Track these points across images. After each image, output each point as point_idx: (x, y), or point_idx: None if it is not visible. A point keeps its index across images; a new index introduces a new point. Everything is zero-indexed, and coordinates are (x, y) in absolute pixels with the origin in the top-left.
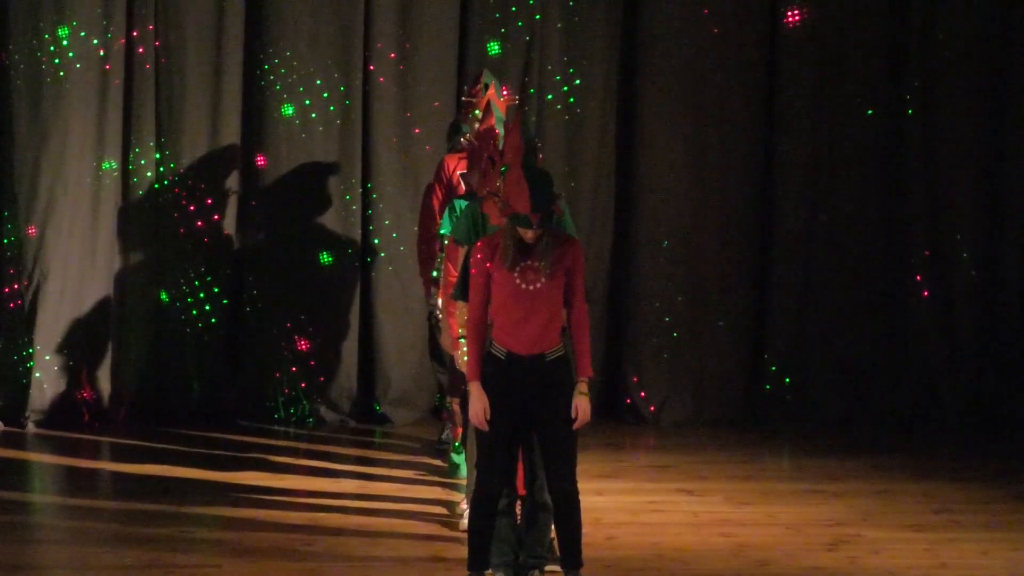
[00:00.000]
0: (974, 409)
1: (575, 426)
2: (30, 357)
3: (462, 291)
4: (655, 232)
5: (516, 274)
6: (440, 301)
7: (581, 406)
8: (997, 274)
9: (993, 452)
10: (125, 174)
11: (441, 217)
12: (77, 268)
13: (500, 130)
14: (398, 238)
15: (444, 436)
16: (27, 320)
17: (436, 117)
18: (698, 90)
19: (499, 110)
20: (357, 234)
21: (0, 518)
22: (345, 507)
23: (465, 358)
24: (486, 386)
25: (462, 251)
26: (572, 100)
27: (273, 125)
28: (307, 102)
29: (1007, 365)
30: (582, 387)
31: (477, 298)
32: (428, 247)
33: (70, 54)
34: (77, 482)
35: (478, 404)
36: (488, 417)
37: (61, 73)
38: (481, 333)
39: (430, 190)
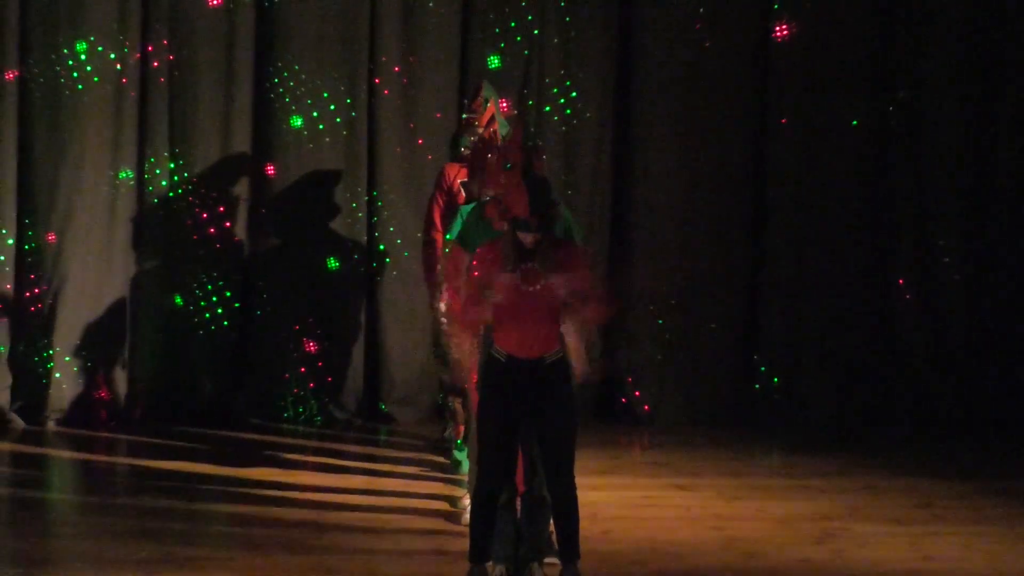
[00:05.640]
0: (957, 408)
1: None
2: (50, 359)
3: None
4: (649, 238)
5: (516, 278)
6: (443, 306)
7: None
8: (979, 278)
9: (975, 449)
10: (140, 183)
11: (443, 224)
12: (94, 273)
13: (502, 134)
14: (402, 244)
15: (447, 434)
16: (47, 323)
17: (439, 128)
18: (691, 101)
19: (502, 117)
20: (363, 240)
21: (21, 513)
22: (352, 503)
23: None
24: (488, 385)
25: (464, 256)
26: (569, 112)
27: (282, 136)
28: (315, 113)
29: (988, 366)
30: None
31: (472, 299)
32: (431, 253)
33: (87, 68)
34: (95, 478)
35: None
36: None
37: (79, 86)
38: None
39: (432, 200)
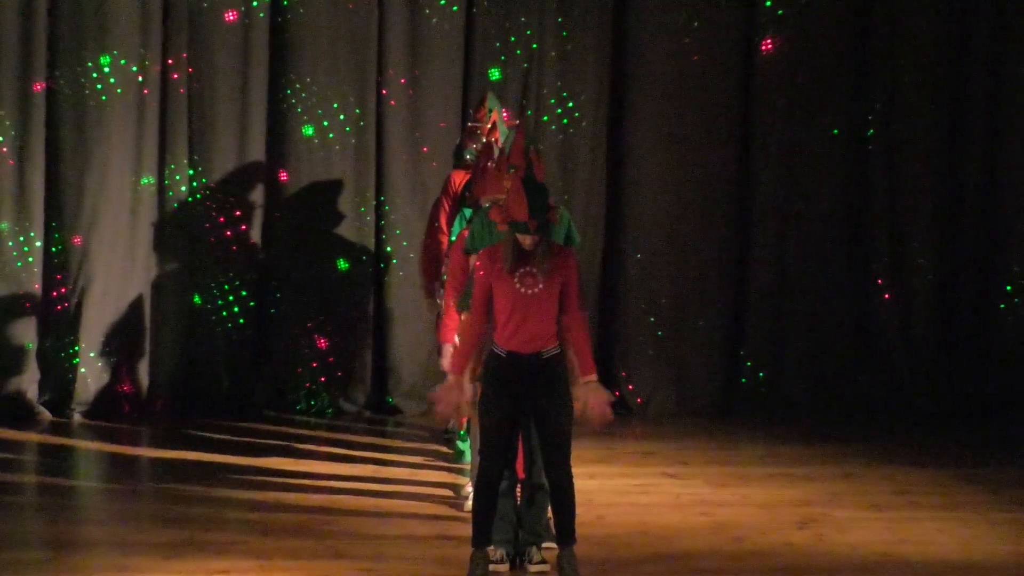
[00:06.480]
0: (930, 400)
1: (597, 421)
2: (76, 354)
3: (468, 301)
4: (641, 240)
5: (516, 279)
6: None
7: (592, 401)
8: (950, 279)
9: (947, 439)
10: (161, 189)
11: (449, 228)
12: (118, 274)
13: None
14: (408, 246)
15: (450, 425)
16: (73, 321)
17: (443, 137)
18: (680, 111)
19: (504, 126)
20: (371, 243)
21: (50, 500)
22: (361, 490)
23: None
24: (489, 380)
25: (470, 259)
26: (565, 121)
27: (295, 144)
28: (325, 123)
29: (959, 360)
30: (590, 385)
31: (480, 306)
32: (430, 256)
33: (111, 80)
34: (118, 467)
35: (454, 395)
36: (463, 411)
37: (103, 97)
38: (476, 335)
39: (437, 204)
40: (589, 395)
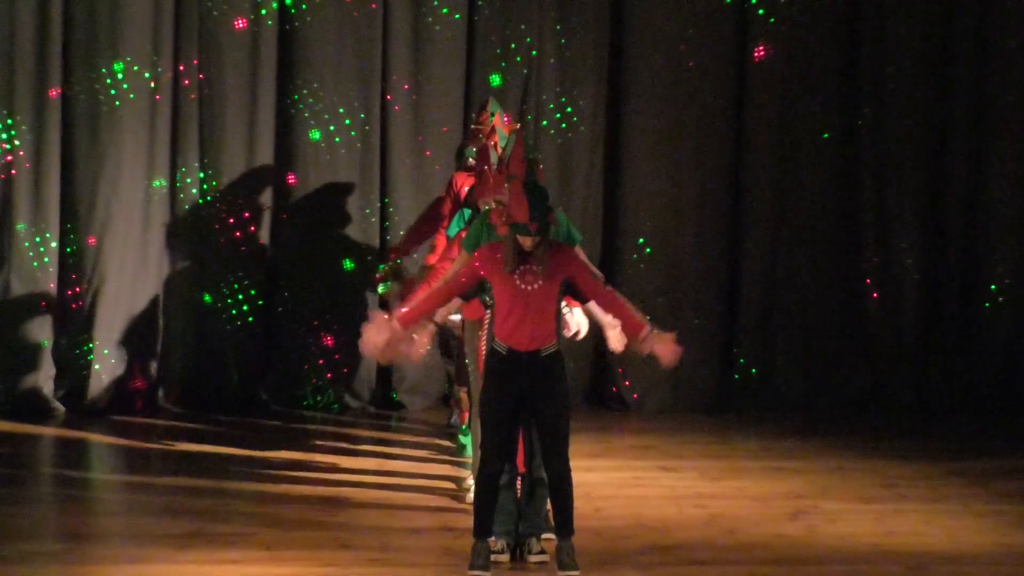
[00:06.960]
0: (917, 396)
1: (672, 363)
2: (90, 351)
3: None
4: (637, 242)
5: (516, 277)
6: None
7: (658, 349)
8: (936, 279)
9: (934, 434)
10: (173, 191)
11: (449, 223)
12: (131, 274)
13: (501, 146)
14: None
15: (452, 420)
16: (87, 319)
17: (445, 141)
18: (676, 116)
19: (503, 131)
20: (376, 243)
21: (64, 492)
22: (366, 483)
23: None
24: (490, 376)
25: (462, 253)
26: (564, 126)
27: (302, 148)
28: (332, 127)
29: (945, 357)
30: (649, 338)
31: (449, 287)
32: (419, 234)
33: (124, 86)
34: (131, 461)
35: (383, 334)
36: (382, 354)
37: (117, 103)
38: (432, 306)
39: (439, 200)
40: (654, 346)
